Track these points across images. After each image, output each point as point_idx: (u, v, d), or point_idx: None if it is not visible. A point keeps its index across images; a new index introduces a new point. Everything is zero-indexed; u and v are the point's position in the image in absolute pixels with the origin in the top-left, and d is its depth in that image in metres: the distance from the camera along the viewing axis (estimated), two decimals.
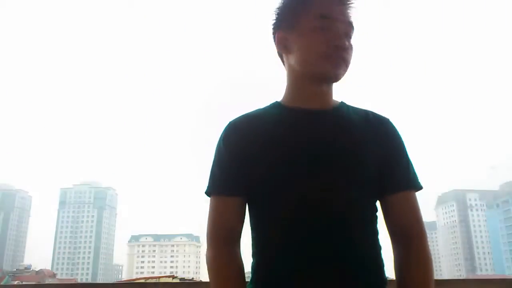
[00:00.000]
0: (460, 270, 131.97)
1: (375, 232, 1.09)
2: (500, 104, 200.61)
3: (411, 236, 1.07)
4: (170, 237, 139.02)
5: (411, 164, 1.14)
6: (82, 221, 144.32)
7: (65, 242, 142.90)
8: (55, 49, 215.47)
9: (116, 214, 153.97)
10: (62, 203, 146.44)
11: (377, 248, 1.08)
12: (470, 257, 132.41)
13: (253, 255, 1.09)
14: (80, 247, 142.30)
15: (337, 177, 1.04)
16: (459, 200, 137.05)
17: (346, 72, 1.10)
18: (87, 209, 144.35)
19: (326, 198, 1.02)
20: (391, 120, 1.17)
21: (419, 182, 1.14)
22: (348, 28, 1.10)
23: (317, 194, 1.02)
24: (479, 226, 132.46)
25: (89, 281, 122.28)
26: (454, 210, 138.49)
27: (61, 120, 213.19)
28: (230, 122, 1.15)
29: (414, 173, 1.14)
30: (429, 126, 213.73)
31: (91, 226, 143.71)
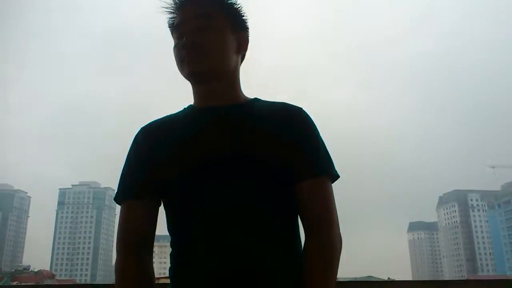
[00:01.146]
0: (461, 270, 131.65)
1: (290, 225, 1.06)
2: (501, 103, 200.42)
3: (316, 225, 1.03)
4: (169, 237, 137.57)
5: (323, 152, 1.11)
6: (81, 222, 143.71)
7: (64, 243, 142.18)
8: (54, 48, 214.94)
9: (115, 214, 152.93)
10: (61, 204, 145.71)
11: (292, 241, 1.06)
12: (471, 257, 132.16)
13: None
14: (79, 248, 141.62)
15: (237, 171, 1.03)
16: (460, 201, 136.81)
17: (213, 61, 1.10)
18: (86, 210, 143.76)
19: (225, 196, 1.01)
20: (304, 109, 1.15)
21: (331, 170, 1.09)
22: (199, 20, 1.11)
23: (214, 191, 1.02)
24: (481, 226, 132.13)
25: (88, 282, 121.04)
26: (455, 210, 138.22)
27: (60, 120, 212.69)
28: (141, 127, 1.17)
29: (325, 160, 1.10)
30: (429, 126, 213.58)
31: (90, 227, 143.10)
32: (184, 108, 1.18)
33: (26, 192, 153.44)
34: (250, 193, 1.02)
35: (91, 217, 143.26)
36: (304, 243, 1.03)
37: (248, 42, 1.19)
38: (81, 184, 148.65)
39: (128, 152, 1.15)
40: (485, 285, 2.03)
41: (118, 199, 1.12)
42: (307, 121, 1.13)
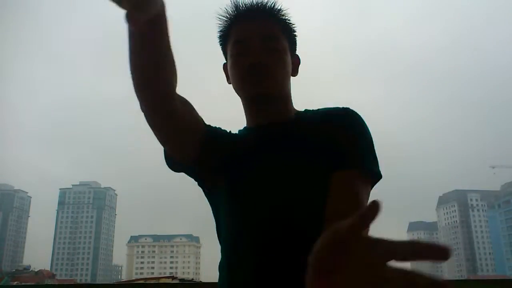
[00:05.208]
0: (461, 270, 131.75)
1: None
2: (501, 103, 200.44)
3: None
4: (169, 237, 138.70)
5: (365, 146, 1.03)
6: (81, 222, 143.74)
7: (64, 243, 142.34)
8: (55, 47, 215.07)
9: (115, 214, 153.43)
10: (61, 204, 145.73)
11: None
12: (471, 257, 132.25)
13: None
14: (79, 248, 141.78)
15: (283, 185, 1.02)
16: (460, 201, 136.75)
17: (279, 83, 1.10)
18: (86, 210, 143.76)
19: (274, 206, 1.00)
20: (350, 108, 1.10)
21: (368, 164, 1.00)
22: (267, 42, 1.10)
23: (263, 204, 1.01)
24: (480, 226, 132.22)
25: (88, 281, 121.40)
26: (455, 210, 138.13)
27: (61, 119, 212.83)
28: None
29: (364, 155, 1.01)
30: (429, 125, 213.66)
31: (90, 227, 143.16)
32: (239, 130, 1.20)
33: (27, 192, 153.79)
34: (299, 197, 1.00)
35: (91, 217, 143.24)
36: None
37: (299, 64, 1.20)
38: (81, 184, 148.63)
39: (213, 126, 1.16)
40: (484, 285, 2.05)
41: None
42: (353, 117, 1.08)
